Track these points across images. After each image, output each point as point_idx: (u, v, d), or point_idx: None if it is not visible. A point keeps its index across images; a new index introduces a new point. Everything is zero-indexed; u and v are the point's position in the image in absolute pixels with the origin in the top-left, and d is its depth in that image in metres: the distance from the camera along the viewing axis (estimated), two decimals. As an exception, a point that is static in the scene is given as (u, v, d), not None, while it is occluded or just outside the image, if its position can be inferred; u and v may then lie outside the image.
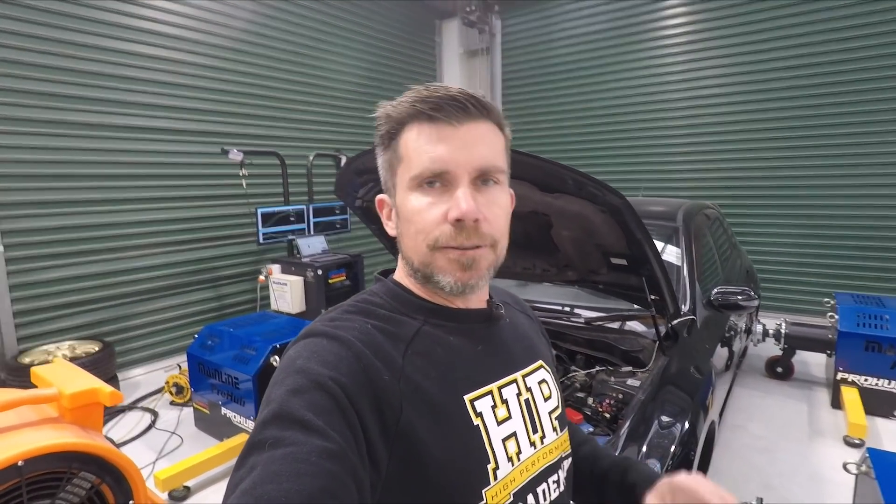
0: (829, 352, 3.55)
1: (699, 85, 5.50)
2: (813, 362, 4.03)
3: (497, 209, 0.68)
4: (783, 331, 3.70)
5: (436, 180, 0.65)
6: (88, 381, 1.66)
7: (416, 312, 0.71)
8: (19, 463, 1.33)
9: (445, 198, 0.65)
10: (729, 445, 2.93)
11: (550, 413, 0.78)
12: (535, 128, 6.74)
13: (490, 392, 0.70)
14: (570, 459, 0.81)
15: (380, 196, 0.76)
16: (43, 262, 3.61)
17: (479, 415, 0.66)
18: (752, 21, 5.14)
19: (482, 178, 0.66)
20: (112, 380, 3.50)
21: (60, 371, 1.78)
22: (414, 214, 0.66)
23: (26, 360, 3.31)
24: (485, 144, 0.66)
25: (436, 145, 0.64)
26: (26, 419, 1.53)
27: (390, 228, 0.74)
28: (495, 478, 0.65)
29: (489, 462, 0.65)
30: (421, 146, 0.65)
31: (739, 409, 3.37)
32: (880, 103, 4.64)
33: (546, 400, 0.78)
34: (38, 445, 1.37)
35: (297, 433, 0.51)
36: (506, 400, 0.71)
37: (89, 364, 3.25)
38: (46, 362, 3.24)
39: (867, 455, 1.64)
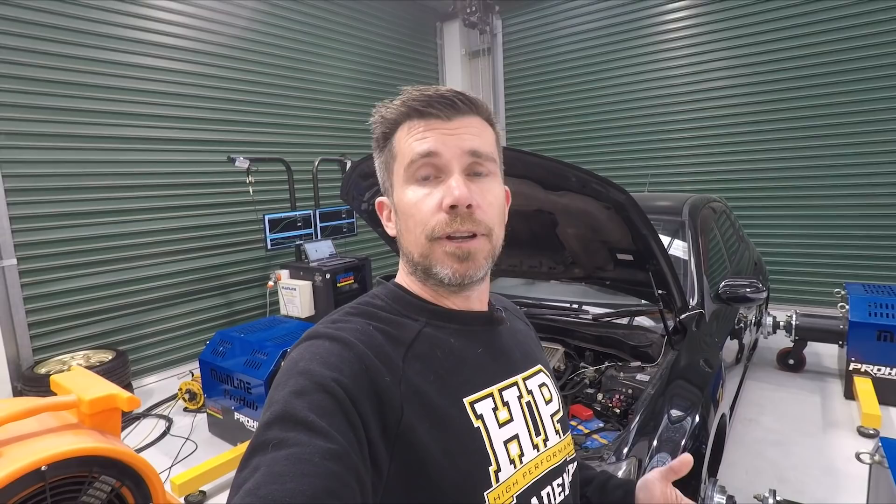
0: (840, 342, 3.52)
1: (704, 78, 5.48)
2: (825, 353, 4.01)
3: (491, 198, 0.69)
4: (794, 322, 3.68)
5: (429, 173, 0.68)
6: (106, 388, 1.70)
7: (418, 314, 0.71)
8: (42, 468, 1.36)
9: (440, 188, 0.67)
10: (742, 439, 2.92)
11: (552, 416, 0.78)
12: (538, 126, 6.74)
13: (491, 394, 0.70)
14: (575, 464, 0.81)
15: (379, 199, 0.77)
16: (56, 274, 3.67)
17: (480, 417, 0.66)
18: (757, 12, 5.12)
19: (475, 170, 0.69)
20: (126, 388, 3.54)
21: (79, 378, 1.81)
22: (410, 207, 0.68)
23: (42, 370, 3.36)
24: (474, 134, 0.69)
25: (427, 134, 0.67)
26: (47, 426, 1.56)
27: (390, 229, 0.75)
28: (497, 480, 0.64)
29: (490, 464, 0.64)
30: (412, 138, 0.68)
31: (751, 402, 3.35)
32: (889, 90, 4.60)
33: (547, 403, 0.78)
34: (60, 450, 1.40)
35: (300, 434, 0.52)
36: (507, 402, 0.71)
37: (104, 373, 3.29)
38: (61, 372, 3.29)
39: (880, 445, 1.63)
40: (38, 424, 1.54)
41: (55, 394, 1.74)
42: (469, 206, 0.65)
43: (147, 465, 1.58)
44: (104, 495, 1.51)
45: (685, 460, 0.80)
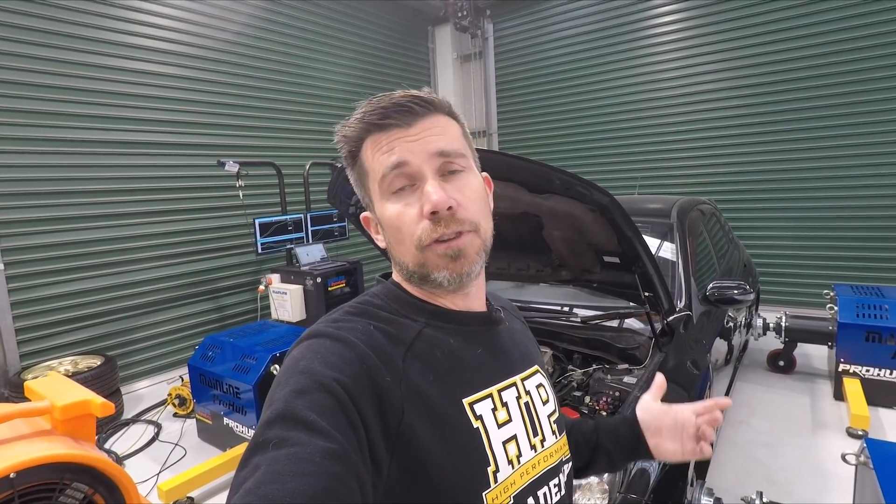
0: (829, 344, 3.54)
1: (693, 81, 5.52)
2: (815, 354, 4.03)
3: (469, 193, 0.69)
4: (784, 324, 3.70)
5: (404, 183, 0.67)
6: (80, 393, 1.67)
7: (418, 314, 0.71)
8: (11, 475, 1.34)
9: (417, 195, 0.67)
10: (732, 441, 2.92)
11: (549, 416, 0.78)
12: (530, 129, 6.76)
13: (490, 395, 0.70)
14: (570, 464, 0.81)
15: (364, 214, 0.77)
16: (43, 279, 3.64)
17: (479, 418, 0.66)
18: (745, 15, 5.16)
19: (448, 168, 0.68)
20: (115, 393, 3.51)
21: (53, 384, 1.79)
22: (394, 220, 0.68)
23: (29, 376, 3.33)
24: (437, 133, 0.68)
25: (391, 146, 0.67)
26: (19, 432, 1.54)
27: (380, 241, 0.75)
28: (495, 480, 0.65)
29: (489, 465, 0.65)
30: (379, 153, 0.68)
31: (742, 403, 3.37)
32: (877, 93, 4.65)
33: (544, 404, 0.79)
34: (29, 457, 1.38)
35: (300, 434, 0.52)
36: (506, 403, 0.71)
37: (92, 378, 3.27)
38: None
39: (865, 446, 1.64)
40: (9, 431, 1.52)
41: (30, 400, 1.71)
42: (450, 209, 0.65)
43: (121, 472, 1.56)
44: (76, 502, 1.49)
45: (659, 380, 0.97)
